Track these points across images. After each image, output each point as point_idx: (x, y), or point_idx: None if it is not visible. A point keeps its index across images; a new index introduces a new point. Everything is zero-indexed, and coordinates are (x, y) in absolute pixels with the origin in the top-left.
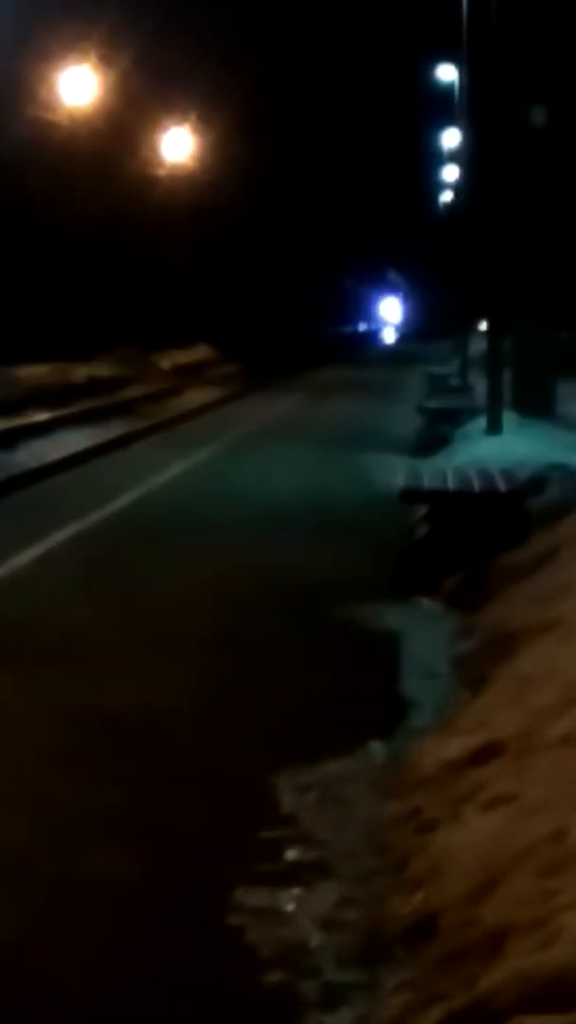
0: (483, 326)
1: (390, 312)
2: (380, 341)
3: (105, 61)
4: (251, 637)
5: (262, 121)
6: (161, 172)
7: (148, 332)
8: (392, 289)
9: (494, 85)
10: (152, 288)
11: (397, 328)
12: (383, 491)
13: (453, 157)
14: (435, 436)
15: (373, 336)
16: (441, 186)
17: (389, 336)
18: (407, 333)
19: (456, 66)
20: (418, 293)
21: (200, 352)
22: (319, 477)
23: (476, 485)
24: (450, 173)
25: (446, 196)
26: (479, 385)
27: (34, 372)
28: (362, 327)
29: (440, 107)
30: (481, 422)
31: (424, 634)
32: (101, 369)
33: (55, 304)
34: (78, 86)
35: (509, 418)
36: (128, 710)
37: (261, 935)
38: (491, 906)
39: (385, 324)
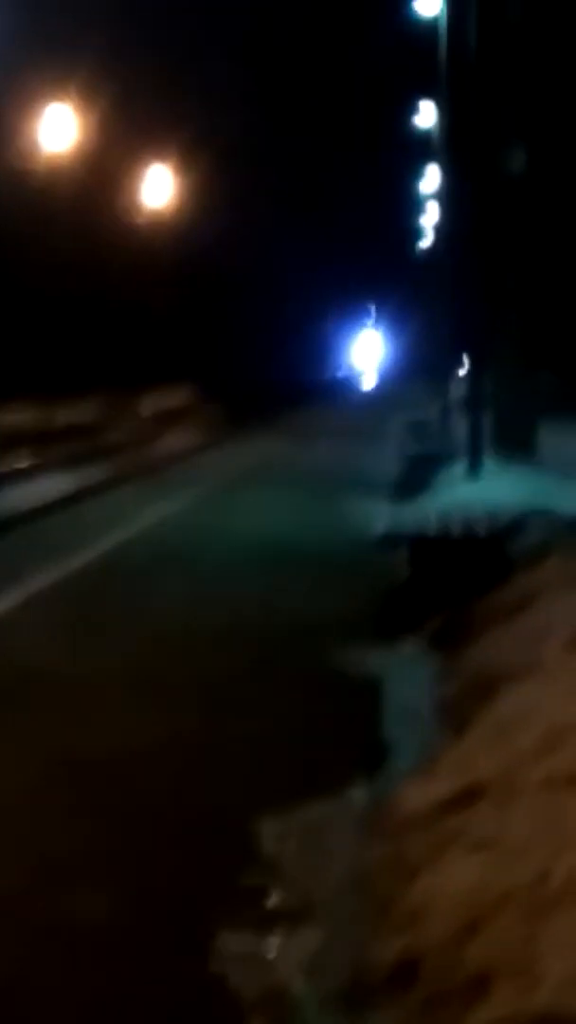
0: (464, 370)
1: (368, 355)
2: (359, 387)
3: (84, 107)
4: (232, 680)
5: (243, 163)
6: (141, 215)
7: (128, 375)
8: (371, 331)
9: (473, 128)
10: (132, 330)
11: (376, 371)
12: (365, 535)
13: (433, 198)
14: (416, 479)
15: (352, 380)
16: (421, 227)
17: (368, 382)
18: (387, 375)
19: (436, 109)
20: (399, 335)
21: (180, 396)
22: (301, 522)
23: (456, 529)
24: (430, 214)
25: (426, 240)
26: (460, 428)
27: (14, 417)
28: (341, 371)
29: (420, 147)
30: (462, 466)
31: (407, 676)
32: (81, 414)
33: (36, 346)
34: (58, 130)
35: (490, 460)
36: (108, 754)
37: (244, 981)
38: (474, 950)
39: (363, 370)
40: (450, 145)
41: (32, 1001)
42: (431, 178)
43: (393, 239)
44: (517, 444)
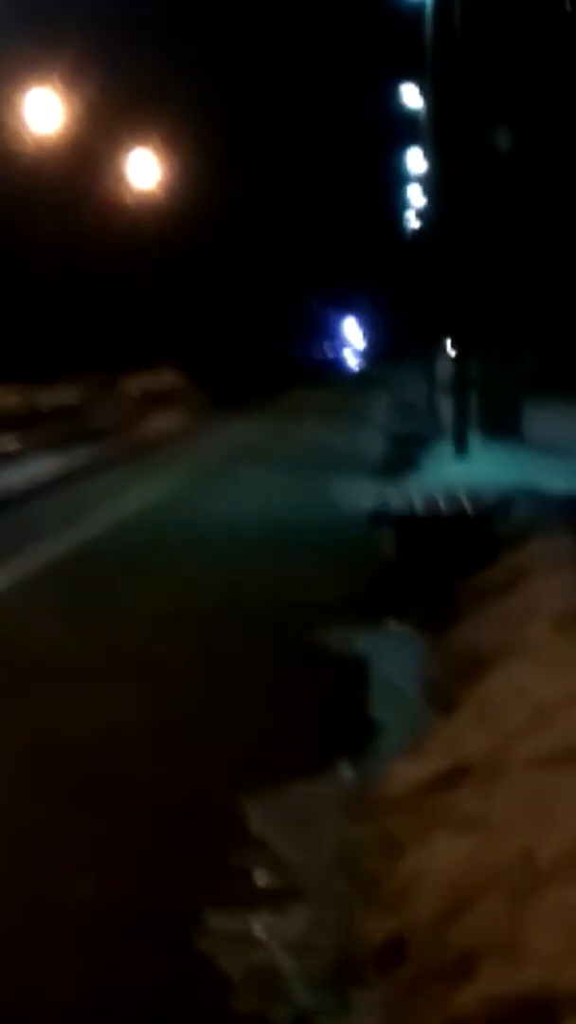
0: (450, 348)
1: (354, 336)
2: (344, 365)
3: (71, 88)
4: (221, 661)
5: (228, 145)
6: (127, 197)
7: (115, 355)
8: (356, 312)
9: (458, 108)
10: (118, 311)
11: (362, 352)
12: (352, 515)
13: (418, 180)
14: (403, 459)
15: (339, 359)
16: (406, 208)
17: (352, 361)
18: (373, 356)
19: (421, 89)
20: (384, 316)
21: (167, 376)
22: (288, 501)
23: (443, 508)
24: (415, 196)
25: (412, 219)
26: (446, 408)
27: (1, 400)
28: (328, 351)
29: (405, 129)
30: (448, 445)
31: (393, 656)
32: (68, 396)
33: (21, 328)
34: (43, 112)
35: (476, 440)
36: (96, 734)
37: (232, 960)
38: (461, 929)
39: (349, 349)
40: (435, 126)
41: (19, 983)
42: (417, 159)
43: (379, 220)
44: (503, 424)
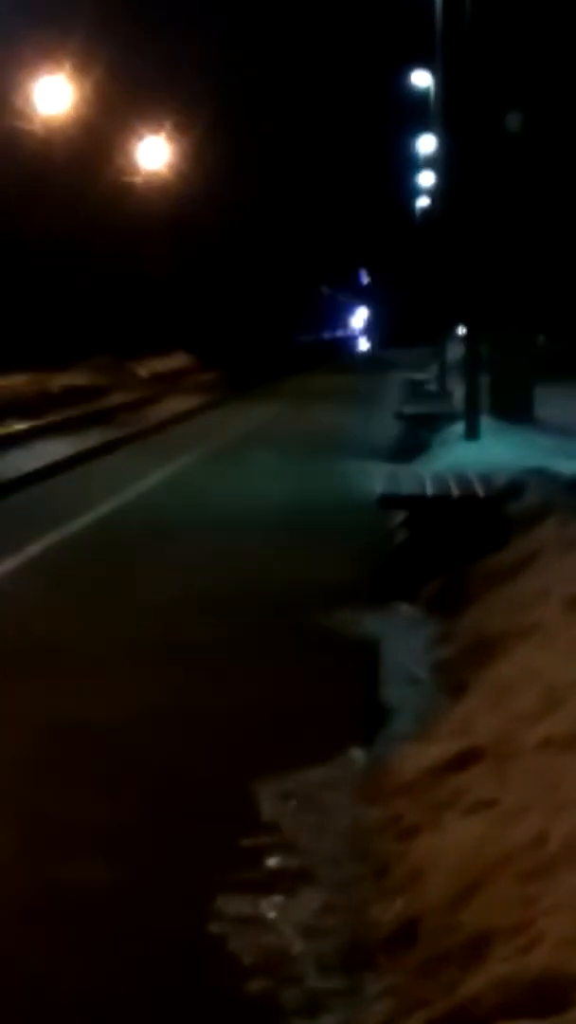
0: (461, 331)
1: (365, 320)
2: (355, 348)
3: (80, 70)
4: (231, 644)
5: (237, 128)
6: (137, 180)
7: (125, 340)
8: (366, 295)
9: (469, 91)
10: (129, 296)
11: (372, 334)
12: (362, 497)
13: (429, 163)
14: (414, 442)
15: (350, 342)
16: (417, 192)
17: (363, 344)
18: (384, 339)
19: (431, 72)
20: (395, 299)
21: (178, 360)
22: (299, 484)
23: (454, 490)
24: (426, 179)
25: (423, 202)
26: (457, 390)
27: (10, 382)
28: (339, 333)
29: (416, 113)
30: (459, 427)
31: (404, 640)
32: (78, 378)
33: (31, 313)
34: (53, 95)
35: (487, 423)
36: (108, 718)
37: (243, 943)
38: (472, 911)
39: (359, 331)
40: (447, 108)
41: (30, 966)
42: (427, 143)
43: (389, 203)
44: (514, 407)
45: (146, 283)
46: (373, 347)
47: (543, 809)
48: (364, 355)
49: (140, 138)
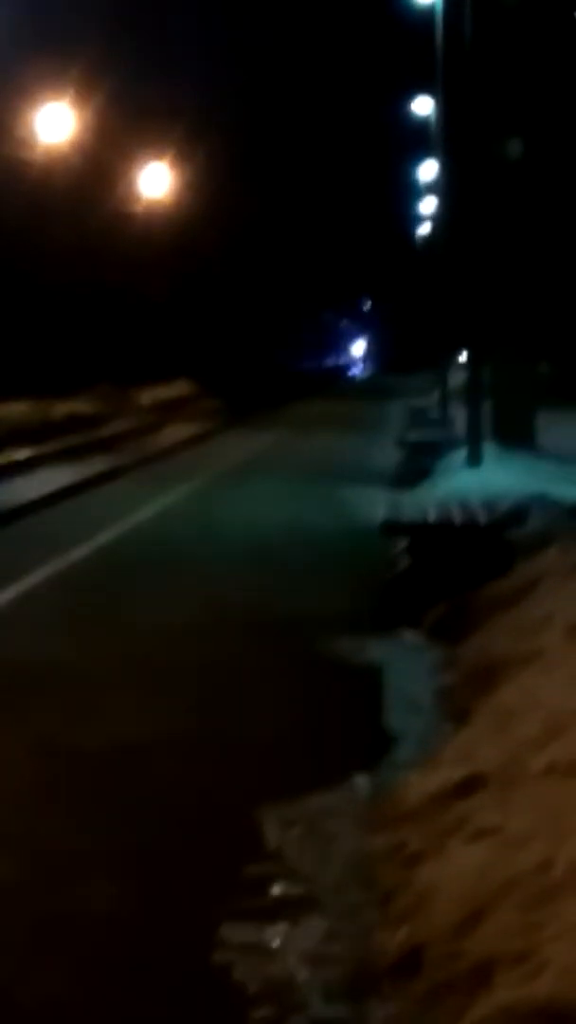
0: (463, 358)
1: (365, 347)
2: (358, 375)
3: (82, 98)
4: (234, 671)
5: (239, 156)
6: (138, 208)
7: (127, 368)
8: (368, 321)
9: (470, 118)
10: (131, 324)
11: (374, 362)
12: (365, 524)
13: (430, 189)
14: (416, 469)
15: (351, 370)
16: (419, 218)
17: (364, 371)
18: (386, 365)
19: (432, 99)
20: (397, 325)
21: (179, 387)
22: (301, 511)
23: (457, 517)
24: (427, 205)
25: (423, 228)
26: (459, 417)
27: (13, 409)
28: (341, 361)
29: (416, 140)
30: (461, 454)
31: (407, 666)
32: (80, 406)
33: (34, 340)
34: (55, 123)
35: (489, 449)
36: (112, 746)
37: (248, 971)
38: (477, 939)
39: (360, 359)
40: (447, 135)
41: (35, 994)
42: (429, 167)
43: (390, 230)
44: (516, 433)
45: (148, 311)
46: (374, 374)
47: (547, 836)
48: (365, 382)
49: (142, 166)
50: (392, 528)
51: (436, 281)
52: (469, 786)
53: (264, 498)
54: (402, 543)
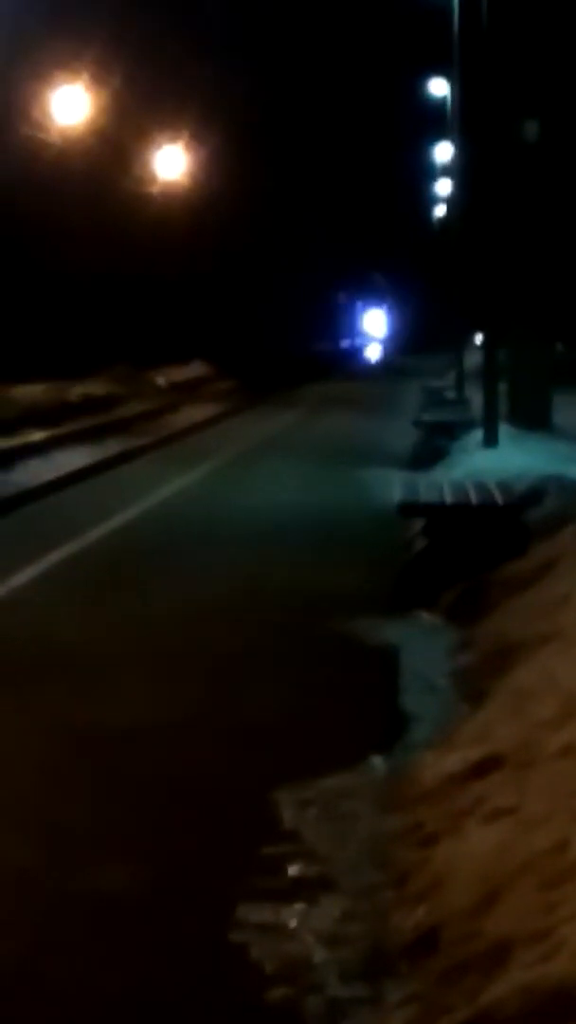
0: (479, 339)
1: (382, 327)
2: (374, 356)
3: (97, 80)
4: (251, 652)
5: (255, 137)
6: (154, 190)
7: (143, 349)
8: (383, 302)
9: (486, 99)
10: (146, 305)
11: (390, 343)
12: (381, 505)
13: (446, 171)
14: (432, 449)
15: (367, 350)
16: (435, 200)
17: (381, 352)
18: (401, 346)
19: (448, 81)
20: (412, 306)
21: (195, 369)
22: (317, 492)
23: (473, 498)
24: (443, 187)
25: (439, 210)
26: (475, 398)
27: (29, 391)
28: (356, 342)
29: (433, 121)
30: (478, 435)
31: (423, 647)
32: (96, 387)
33: (49, 323)
34: (70, 105)
35: (505, 430)
36: (129, 727)
37: (265, 951)
38: (493, 919)
39: (377, 340)
40: (463, 116)
41: (52, 974)
42: (444, 151)
43: (407, 209)
44: (532, 414)
45: (164, 292)
46: (391, 355)
47: (564, 816)
48: (381, 362)
49: (158, 147)
50: (409, 509)
51: (452, 263)
52: (485, 767)
53: (280, 479)
54: (419, 524)
